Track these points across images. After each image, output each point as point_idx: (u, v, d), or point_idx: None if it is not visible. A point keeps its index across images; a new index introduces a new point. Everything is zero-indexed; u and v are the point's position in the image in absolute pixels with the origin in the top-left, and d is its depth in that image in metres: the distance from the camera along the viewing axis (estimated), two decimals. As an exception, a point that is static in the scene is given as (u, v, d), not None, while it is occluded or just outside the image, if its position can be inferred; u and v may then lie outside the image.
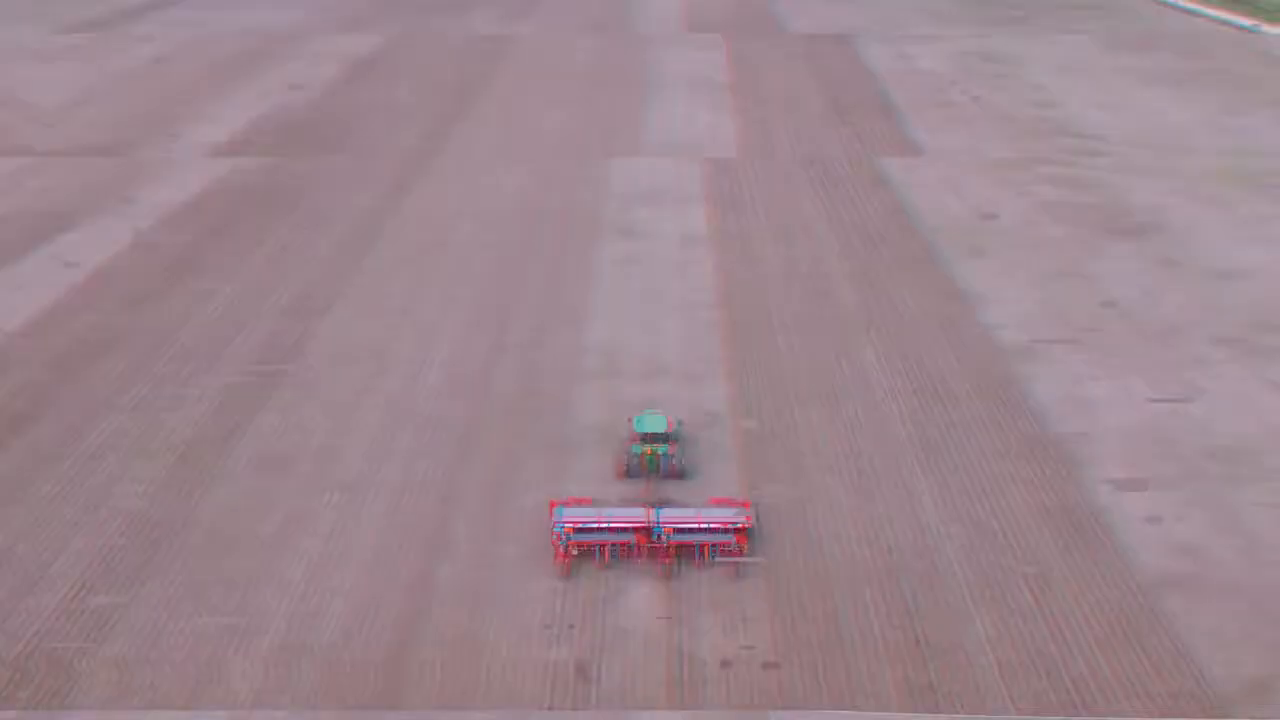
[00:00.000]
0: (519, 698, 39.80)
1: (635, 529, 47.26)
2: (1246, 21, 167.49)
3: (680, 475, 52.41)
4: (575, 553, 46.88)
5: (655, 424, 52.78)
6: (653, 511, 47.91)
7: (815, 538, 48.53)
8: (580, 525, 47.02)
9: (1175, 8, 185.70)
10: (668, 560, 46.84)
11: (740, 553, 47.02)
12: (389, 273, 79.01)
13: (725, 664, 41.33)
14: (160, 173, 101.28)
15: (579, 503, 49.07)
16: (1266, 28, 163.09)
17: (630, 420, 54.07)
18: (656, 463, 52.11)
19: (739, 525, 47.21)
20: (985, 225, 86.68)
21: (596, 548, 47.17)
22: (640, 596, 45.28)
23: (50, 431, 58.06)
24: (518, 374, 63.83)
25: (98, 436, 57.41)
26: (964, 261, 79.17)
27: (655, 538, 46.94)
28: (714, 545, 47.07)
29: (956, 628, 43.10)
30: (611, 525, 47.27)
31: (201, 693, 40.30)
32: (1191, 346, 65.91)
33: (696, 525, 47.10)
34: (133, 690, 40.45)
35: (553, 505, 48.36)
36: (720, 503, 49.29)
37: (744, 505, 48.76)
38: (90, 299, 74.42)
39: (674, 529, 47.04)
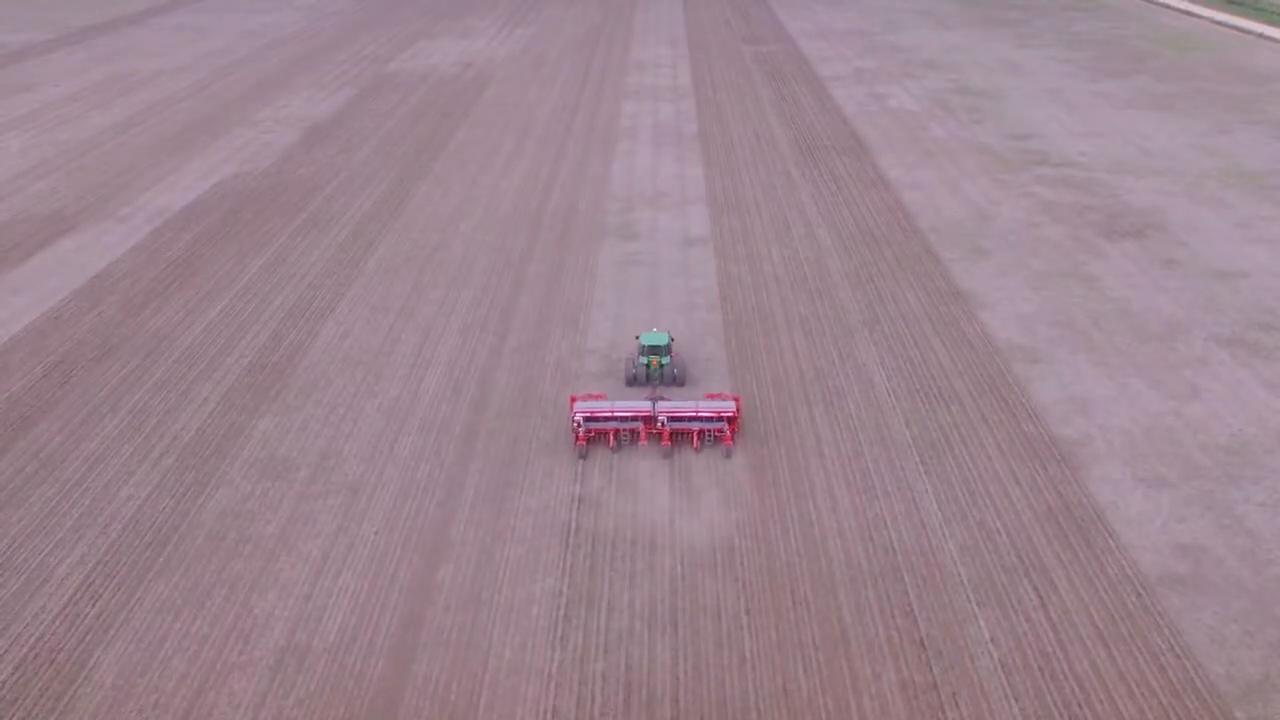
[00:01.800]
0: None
1: (640, 418, 55.47)
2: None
3: (678, 382, 61.45)
4: (591, 433, 55.69)
5: (657, 338, 61.52)
6: (654, 404, 55.79)
7: (817, 538, 48.63)
8: (592, 414, 55.21)
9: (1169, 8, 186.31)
10: (667, 443, 54.99)
11: (730, 439, 54.87)
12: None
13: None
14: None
15: (595, 398, 57.64)
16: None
17: (638, 337, 62.92)
18: (659, 371, 60.95)
19: (729, 414, 55.02)
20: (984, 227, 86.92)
21: (608, 434, 55.74)
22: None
23: (52, 435, 58.13)
24: (518, 376, 63.75)
25: (99, 440, 57.49)
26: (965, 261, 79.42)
27: (657, 425, 55.31)
28: (708, 432, 55.42)
29: (958, 627, 43.26)
30: (619, 414, 55.49)
31: (204, 696, 40.36)
32: (1192, 346, 66.01)
33: (693, 414, 55.15)
34: (135, 694, 40.51)
35: (573, 399, 56.85)
36: (713, 397, 57.60)
37: (735, 399, 56.23)
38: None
39: (671, 416, 55.18)
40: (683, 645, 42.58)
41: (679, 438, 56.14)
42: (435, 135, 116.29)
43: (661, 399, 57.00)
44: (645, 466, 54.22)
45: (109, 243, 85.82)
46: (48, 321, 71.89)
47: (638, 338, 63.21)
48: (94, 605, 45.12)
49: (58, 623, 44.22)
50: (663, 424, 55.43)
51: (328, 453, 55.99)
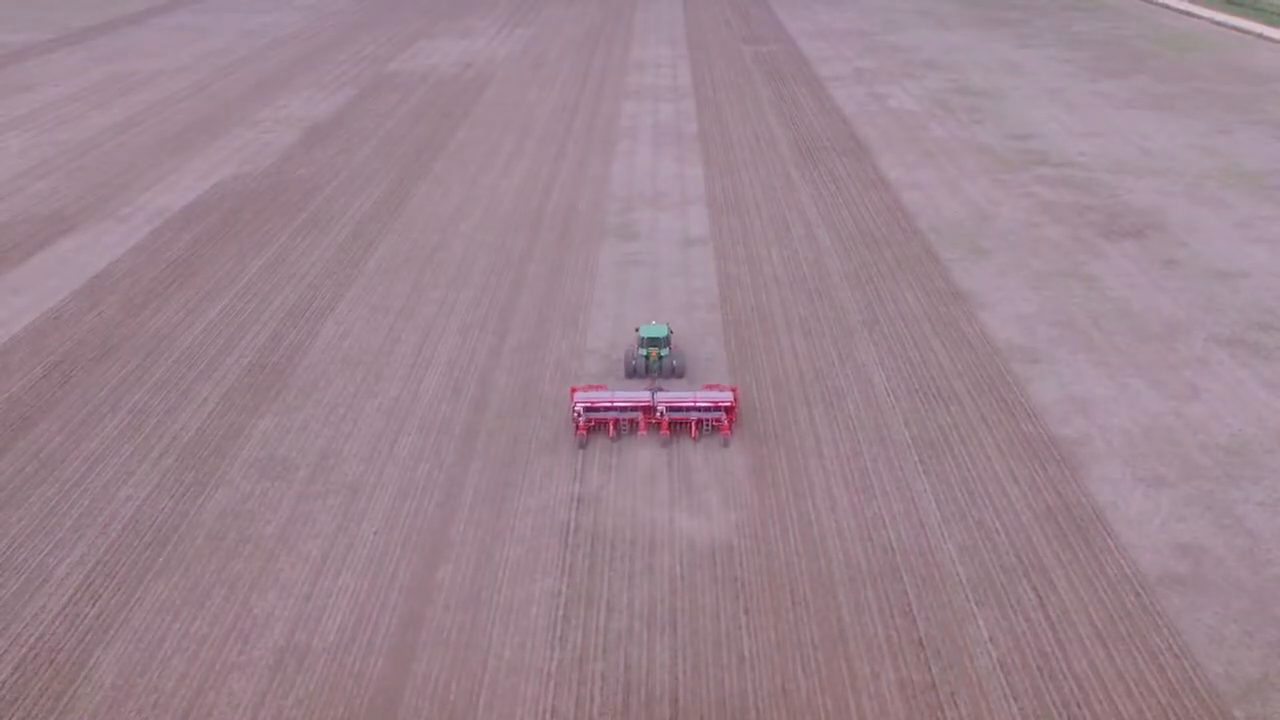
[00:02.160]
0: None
1: (639, 407, 56.31)
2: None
3: (677, 374, 62.32)
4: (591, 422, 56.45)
5: (657, 331, 62.49)
6: (653, 394, 56.86)
7: (816, 537, 48.65)
8: (592, 404, 56.17)
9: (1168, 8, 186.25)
10: (665, 432, 55.97)
11: (728, 429, 55.77)
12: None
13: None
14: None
15: (595, 388, 58.50)
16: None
17: (637, 329, 63.96)
18: (658, 363, 61.92)
19: (726, 404, 55.96)
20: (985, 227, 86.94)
21: (607, 424, 56.73)
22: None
23: (52, 435, 58.16)
24: (518, 376, 63.79)
25: (99, 440, 57.52)
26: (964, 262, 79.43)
27: (656, 415, 56.27)
28: (706, 421, 56.36)
29: (957, 627, 43.28)
30: (619, 404, 56.40)
31: (203, 695, 40.39)
32: (1192, 347, 66.01)
33: (691, 404, 56.06)
34: (135, 694, 40.55)
35: (573, 390, 57.67)
36: (711, 388, 58.50)
37: (732, 390, 57.28)
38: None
39: (670, 406, 56.10)
40: (682, 645, 42.61)
41: (677, 427, 56.90)
42: (435, 135, 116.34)
43: (660, 390, 57.76)
44: (645, 466, 54.23)
45: (109, 243, 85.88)
46: (48, 321, 71.94)
47: (637, 330, 64.17)
48: (94, 605, 45.16)
49: (57, 623, 44.26)
50: (661, 414, 56.19)
51: (327, 453, 56.03)
